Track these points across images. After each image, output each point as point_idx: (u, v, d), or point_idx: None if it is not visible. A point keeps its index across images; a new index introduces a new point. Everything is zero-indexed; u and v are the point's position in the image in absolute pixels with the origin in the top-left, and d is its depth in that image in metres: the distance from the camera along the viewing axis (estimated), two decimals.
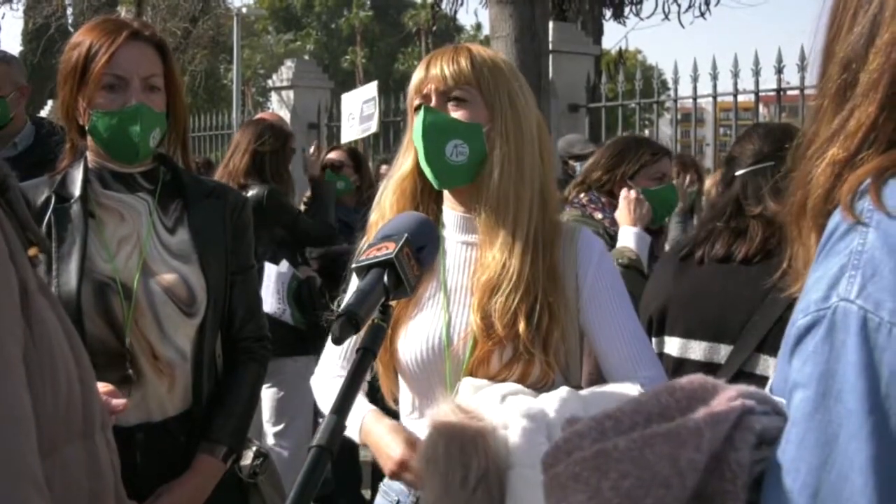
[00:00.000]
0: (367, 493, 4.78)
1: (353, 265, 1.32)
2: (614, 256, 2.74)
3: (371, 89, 6.89)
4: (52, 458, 0.99)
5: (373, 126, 6.66)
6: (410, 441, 1.65)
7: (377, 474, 3.25)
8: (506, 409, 1.51)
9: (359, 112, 6.88)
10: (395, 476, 1.66)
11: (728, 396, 0.83)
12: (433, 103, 1.76)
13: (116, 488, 1.14)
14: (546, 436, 1.47)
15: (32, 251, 1.07)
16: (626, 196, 2.99)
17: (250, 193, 4.05)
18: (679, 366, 2.20)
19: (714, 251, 2.18)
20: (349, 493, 4.64)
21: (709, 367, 2.13)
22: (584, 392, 1.62)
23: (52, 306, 1.07)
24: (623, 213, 2.99)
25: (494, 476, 1.42)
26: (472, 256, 1.77)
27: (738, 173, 2.24)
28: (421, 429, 1.74)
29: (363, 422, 1.75)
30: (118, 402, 1.57)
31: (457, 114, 1.75)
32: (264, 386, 4.22)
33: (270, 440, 4.30)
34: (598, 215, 3.11)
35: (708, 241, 2.21)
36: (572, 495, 0.82)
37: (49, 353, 1.00)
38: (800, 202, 0.85)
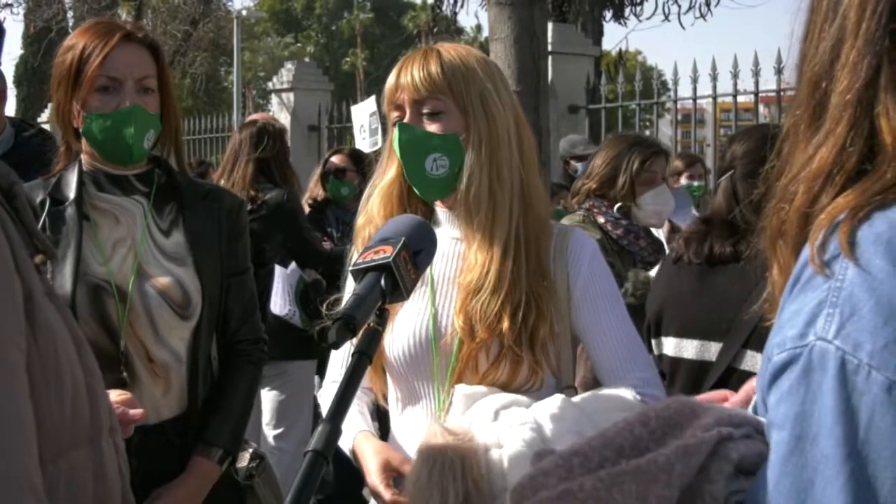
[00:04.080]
0: (366, 494, 4.77)
1: (350, 268, 1.30)
2: (631, 283, 2.77)
3: (371, 104, 7.02)
4: (57, 463, 0.99)
5: (379, 140, 6.75)
6: (385, 465, 1.65)
7: None
8: (499, 427, 1.49)
9: (368, 125, 6.98)
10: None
11: (704, 424, 0.79)
12: (407, 116, 1.72)
13: (124, 493, 1.13)
14: None
15: (39, 258, 1.07)
16: None
17: (269, 196, 4.08)
18: (675, 365, 2.29)
19: (695, 251, 2.29)
20: (348, 494, 4.63)
21: (701, 366, 2.22)
22: (577, 399, 1.60)
23: (59, 311, 1.07)
24: None
25: (480, 500, 1.39)
26: (459, 251, 1.76)
27: (720, 181, 2.40)
28: (409, 427, 1.73)
29: (353, 442, 1.75)
30: (135, 412, 1.56)
31: (432, 126, 1.71)
32: (266, 388, 4.24)
33: (271, 442, 4.30)
34: (601, 219, 3.14)
35: (692, 244, 2.31)
36: None
37: (54, 360, 1.00)
38: (777, 225, 0.82)
